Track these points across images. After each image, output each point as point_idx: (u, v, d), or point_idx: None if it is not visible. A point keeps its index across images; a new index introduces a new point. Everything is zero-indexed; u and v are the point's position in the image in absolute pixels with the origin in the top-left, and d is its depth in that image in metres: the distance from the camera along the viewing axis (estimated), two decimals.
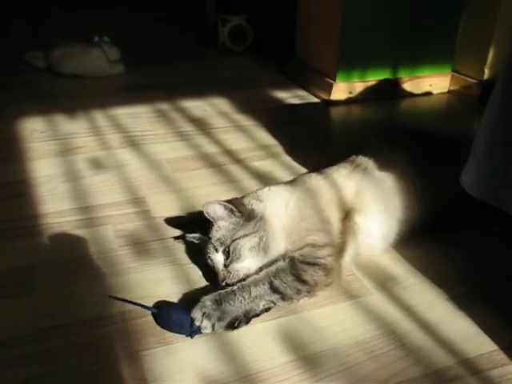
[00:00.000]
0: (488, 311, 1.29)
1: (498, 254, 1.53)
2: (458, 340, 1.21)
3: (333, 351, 1.18)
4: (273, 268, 1.29)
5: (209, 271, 1.37)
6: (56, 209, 1.70)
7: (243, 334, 1.22)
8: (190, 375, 1.11)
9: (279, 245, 1.35)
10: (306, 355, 1.17)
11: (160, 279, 1.39)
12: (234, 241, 1.31)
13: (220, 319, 1.21)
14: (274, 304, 1.27)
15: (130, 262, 1.46)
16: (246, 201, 1.41)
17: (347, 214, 1.43)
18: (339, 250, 1.37)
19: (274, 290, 1.25)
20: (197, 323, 1.20)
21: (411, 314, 1.28)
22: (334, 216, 1.41)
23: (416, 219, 1.51)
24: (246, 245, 1.31)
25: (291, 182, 1.55)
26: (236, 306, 1.22)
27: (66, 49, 3.06)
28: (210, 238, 1.35)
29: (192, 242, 1.46)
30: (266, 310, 1.27)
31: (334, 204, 1.44)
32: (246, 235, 1.31)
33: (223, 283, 1.29)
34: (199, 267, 1.43)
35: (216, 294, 1.24)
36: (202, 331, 1.20)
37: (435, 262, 1.48)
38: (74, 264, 1.45)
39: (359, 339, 1.21)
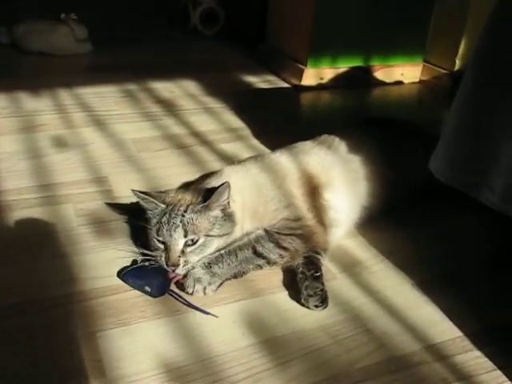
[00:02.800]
0: (453, 297, 1.28)
1: (464, 240, 1.53)
2: (423, 326, 1.20)
3: (296, 335, 1.15)
4: (253, 236, 1.31)
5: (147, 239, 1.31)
6: (15, 186, 1.64)
7: (204, 316, 1.19)
8: (148, 357, 1.07)
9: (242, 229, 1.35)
10: (268, 338, 1.14)
11: (120, 258, 1.34)
12: (208, 236, 1.26)
13: (210, 283, 1.23)
14: (261, 268, 1.30)
15: (89, 241, 1.41)
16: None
17: (315, 191, 1.42)
18: (319, 220, 1.38)
19: (258, 255, 1.28)
20: (189, 290, 1.22)
21: (376, 299, 1.27)
22: (296, 189, 1.41)
23: (380, 203, 1.50)
24: (215, 245, 1.28)
25: (247, 164, 1.48)
26: (225, 269, 1.25)
27: (32, 25, 2.96)
28: (182, 214, 1.24)
29: (139, 201, 1.34)
30: None
31: (293, 178, 1.43)
32: (219, 236, 1.28)
33: (171, 268, 1.23)
34: None
35: (204, 261, 1.26)
36: (195, 294, 1.22)
37: (402, 246, 1.47)
38: (33, 242, 1.40)
39: (324, 323, 1.19)
